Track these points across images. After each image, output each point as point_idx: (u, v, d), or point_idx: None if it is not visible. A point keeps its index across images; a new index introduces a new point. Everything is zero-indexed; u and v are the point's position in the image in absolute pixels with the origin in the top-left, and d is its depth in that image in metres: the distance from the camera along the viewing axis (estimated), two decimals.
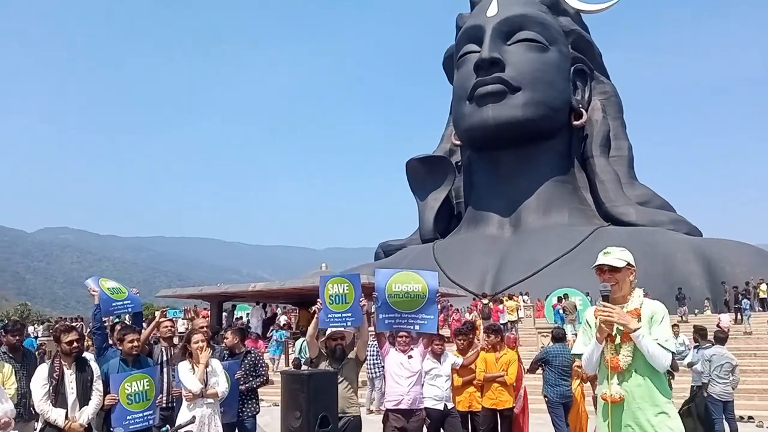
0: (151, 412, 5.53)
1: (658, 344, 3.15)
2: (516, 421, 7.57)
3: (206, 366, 5.63)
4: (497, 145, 35.11)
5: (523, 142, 34.60)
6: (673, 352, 3.20)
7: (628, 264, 3.36)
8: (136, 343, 5.73)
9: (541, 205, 35.70)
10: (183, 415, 5.47)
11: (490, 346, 7.60)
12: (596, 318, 3.31)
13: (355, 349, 6.04)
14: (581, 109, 36.77)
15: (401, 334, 6.34)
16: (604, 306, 3.26)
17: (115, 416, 5.32)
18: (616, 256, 3.37)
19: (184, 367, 5.62)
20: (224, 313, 25.33)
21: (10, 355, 6.18)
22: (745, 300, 22.32)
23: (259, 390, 7.02)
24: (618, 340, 3.27)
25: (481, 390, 7.42)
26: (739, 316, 22.25)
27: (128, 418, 5.33)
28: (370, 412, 12.14)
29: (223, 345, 7.18)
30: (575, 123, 36.74)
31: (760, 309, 24.81)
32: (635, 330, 3.16)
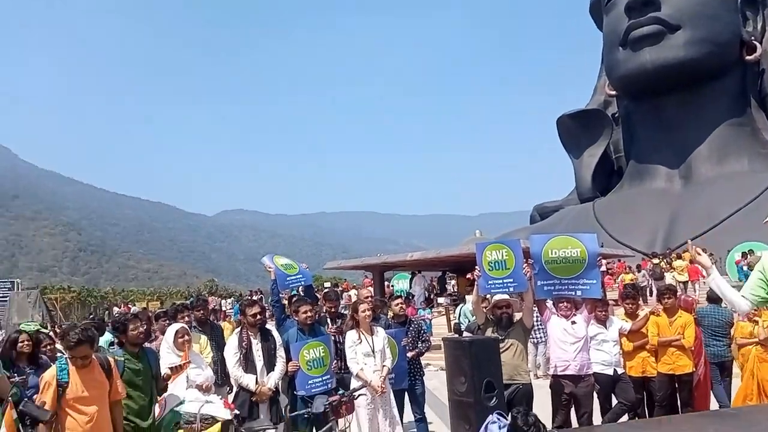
0: (328, 376, 5.95)
1: None
2: (699, 387, 7.08)
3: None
4: (658, 91, 32.22)
5: (687, 85, 31.42)
6: None
7: None
8: (309, 314, 6.18)
9: (714, 152, 32.30)
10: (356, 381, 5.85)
11: (662, 309, 7.16)
12: None
13: (520, 315, 6.02)
14: (754, 42, 32.46)
15: (562, 300, 6.20)
16: None
17: (298, 381, 5.84)
18: None
19: (350, 337, 5.99)
20: (386, 282, 26.37)
21: (200, 328, 6.98)
22: None
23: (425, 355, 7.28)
24: None
25: (655, 355, 7.03)
26: None
27: (309, 382, 5.81)
28: (536, 377, 12.04)
29: (390, 314, 7.50)
30: (748, 58, 32.53)
31: None
32: None
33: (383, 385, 5.84)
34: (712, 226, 28.54)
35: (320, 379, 5.84)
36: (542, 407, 6.46)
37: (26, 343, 5.85)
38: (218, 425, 4.31)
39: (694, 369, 6.94)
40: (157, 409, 5.04)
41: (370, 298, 7.15)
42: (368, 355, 5.89)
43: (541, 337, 11.70)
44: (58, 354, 6.30)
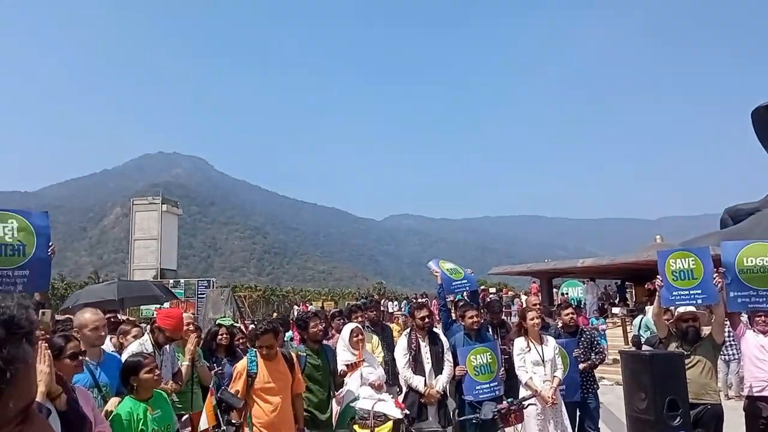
0: (496, 383, 5.93)
1: None
2: None
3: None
4: None
5: None
6: None
7: None
8: (476, 319, 6.19)
9: None
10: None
11: None
12: None
13: (709, 329, 5.51)
14: None
15: (759, 314, 5.56)
16: None
17: (465, 385, 5.88)
18: None
19: (518, 345, 5.90)
20: (554, 290, 25.44)
21: (372, 328, 7.30)
22: None
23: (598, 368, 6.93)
24: None
25: None
26: None
27: (477, 388, 5.83)
28: (728, 397, 10.87)
29: (559, 323, 7.25)
30: None
31: None
32: None
33: (554, 396, 5.67)
34: None
35: (488, 385, 5.84)
36: (734, 430, 5.86)
37: (224, 336, 6.57)
38: (390, 423, 4.49)
39: None
40: (334, 404, 5.38)
41: (538, 306, 6.99)
42: (537, 364, 5.76)
43: (733, 354, 10.59)
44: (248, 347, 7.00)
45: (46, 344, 2.75)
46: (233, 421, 4.95)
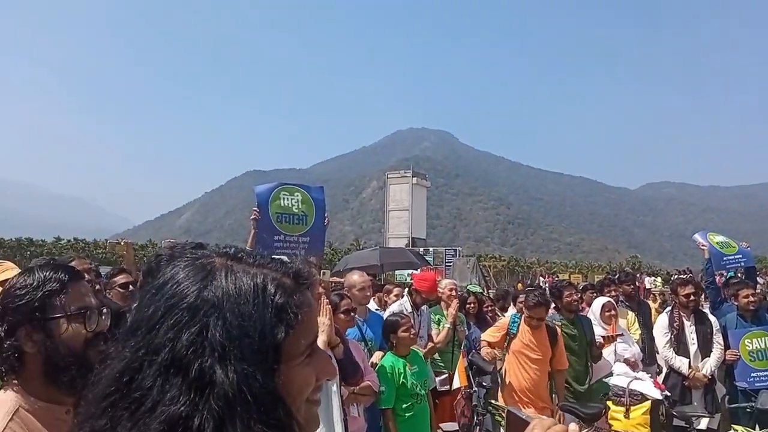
0: None
1: None
2: None
3: None
4: None
5: None
6: None
7: None
8: (752, 299, 5.47)
9: None
10: None
11: None
12: None
13: None
14: None
15: None
16: None
17: (738, 371, 5.26)
18: None
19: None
20: None
21: (627, 303, 6.87)
22: None
23: None
24: None
25: None
26: None
27: (752, 375, 5.17)
28: None
29: None
30: None
31: None
32: None
33: None
34: None
35: (765, 373, 5.17)
36: None
37: (473, 303, 6.82)
38: (648, 403, 4.25)
39: None
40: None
41: None
42: None
43: None
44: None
45: (327, 300, 3.18)
46: (484, 384, 5.15)
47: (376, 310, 5.54)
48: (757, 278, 7.67)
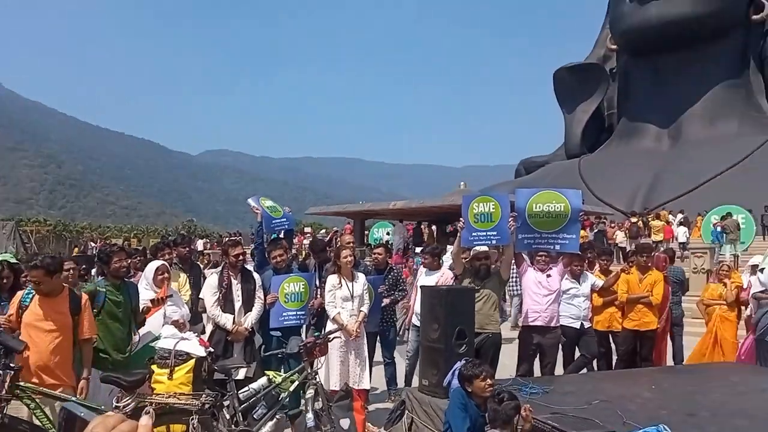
0: (303, 312, 6.05)
1: None
2: (658, 342, 7.32)
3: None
4: (659, 47, 31.93)
5: (689, 43, 31.14)
6: None
7: None
8: (279, 258, 6.14)
9: (707, 113, 32.27)
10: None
11: (633, 267, 7.30)
12: None
13: (498, 266, 6.12)
14: (763, 1, 31.98)
15: (540, 253, 6.31)
16: None
17: (272, 313, 5.91)
18: None
19: (330, 281, 6.03)
20: (366, 231, 26.53)
21: (180, 265, 6.97)
22: None
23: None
24: None
25: (622, 311, 7.22)
26: None
27: (283, 314, 5.90)
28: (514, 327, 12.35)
29: (372, 260, 7.54)
30: (754, 18, 32.16)
31: None
32: None
33: (358, 330, 5.93)
34: (692, 188, 28.87)
35: (294, 313, 5.93)
36: (510, 355, 6.68)
37: (7, 275, 5.78)
38: (192, 362, 4.36)
39: (658, 326, 7.13)
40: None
41: (352, 244, 7.19)
42: (347, 300, 5.96)
43: (516, 290, 11.94)
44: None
45: None
46: (11, 365, 4.45)
47: None
48: (293, 239, 8.70)
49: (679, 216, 24.11)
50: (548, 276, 6.32)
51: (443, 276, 6.81)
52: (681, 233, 21.64)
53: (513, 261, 6.40)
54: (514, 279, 10.70)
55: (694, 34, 30.79)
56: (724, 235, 19.25)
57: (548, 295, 6.25)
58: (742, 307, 7.64)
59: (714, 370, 6.46)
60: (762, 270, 6.93)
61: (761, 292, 6.80)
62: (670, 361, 7.95)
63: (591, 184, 31.46)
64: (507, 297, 12.79)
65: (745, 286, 7.62)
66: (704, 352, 7.61)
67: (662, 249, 15.31)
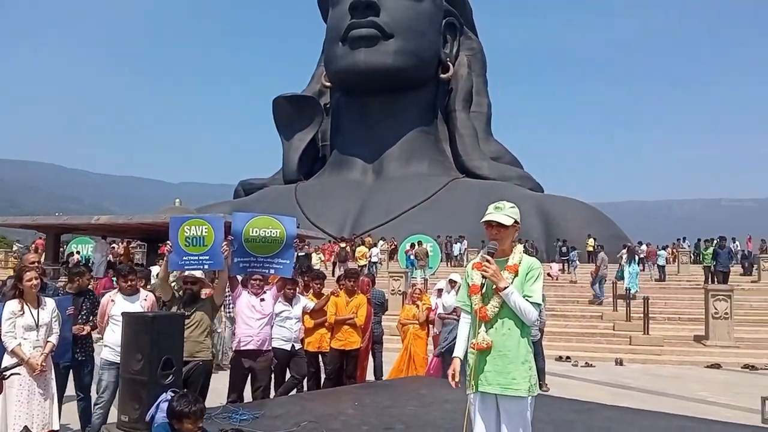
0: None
1: (527, 299, 3.24)
2: (361, 359, 7.95)
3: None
4: (366, 90, 35.14)
5: (391, 90, 34.91)
6: (539, 304, 3.32)
7: (516, 222, 3.36)
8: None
9: (403, 153, 36.58)
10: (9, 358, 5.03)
11: (343, 290, 7.78)
12: (475, 270, 3.35)
13: (210, 292, 5.91)
14: (449, 63, 37.68)
15: (255, 277, 6.33)
16: (486, 260, 3.27)
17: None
18: (506, 213, 3.35)
19: (9, 308, 5.12)
20: (62, 247, 23.45)
21: None
22: (573, 252, 24.86)
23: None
24: (485, 290, 3.33)
25: (331, 331, 7.62)
26: (567, 267, 24.78)
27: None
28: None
29: (74, 285, 6.49)
30: (442, 76, 37.59)
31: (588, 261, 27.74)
32: (504, 288, 3.23)
33: (44, 363, 5.13)
34: (391, 218, 32.29)
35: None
36: (224, 381, 6.51)
37: None
38: None
39: (361, 345, 7.74)
40: None
41: (37, 264, 6.23)
42: (30, 329, 5.13)
43: (230, 312, 11.77)
44: None
45: None
46: None
47: None
48: None
49: (381, 243, 26.75)
50: (262, 300, 6.37)
51: (146, 300, 6.27)
52: (374, 254, 24.11)
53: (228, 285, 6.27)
54: (229, 302, 10.51)
55: (396, 83, 34.77)
56: (416, 261, 21.89)
57: (261, 319, 6.28)
58: (431, 326, 8.74)
59: (408, 385, 7.21)
60: (447, 292, 8.08)
61: (449, 313, 7.93)
62: (371, 377, 8.66)
63: (305, 208, 32.94)
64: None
65: (433, 307, 8.72)
66: (402, 368, 8.51)
67: (365, 273, 16.72)
